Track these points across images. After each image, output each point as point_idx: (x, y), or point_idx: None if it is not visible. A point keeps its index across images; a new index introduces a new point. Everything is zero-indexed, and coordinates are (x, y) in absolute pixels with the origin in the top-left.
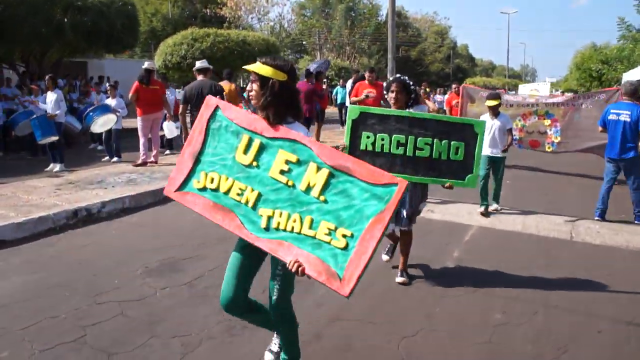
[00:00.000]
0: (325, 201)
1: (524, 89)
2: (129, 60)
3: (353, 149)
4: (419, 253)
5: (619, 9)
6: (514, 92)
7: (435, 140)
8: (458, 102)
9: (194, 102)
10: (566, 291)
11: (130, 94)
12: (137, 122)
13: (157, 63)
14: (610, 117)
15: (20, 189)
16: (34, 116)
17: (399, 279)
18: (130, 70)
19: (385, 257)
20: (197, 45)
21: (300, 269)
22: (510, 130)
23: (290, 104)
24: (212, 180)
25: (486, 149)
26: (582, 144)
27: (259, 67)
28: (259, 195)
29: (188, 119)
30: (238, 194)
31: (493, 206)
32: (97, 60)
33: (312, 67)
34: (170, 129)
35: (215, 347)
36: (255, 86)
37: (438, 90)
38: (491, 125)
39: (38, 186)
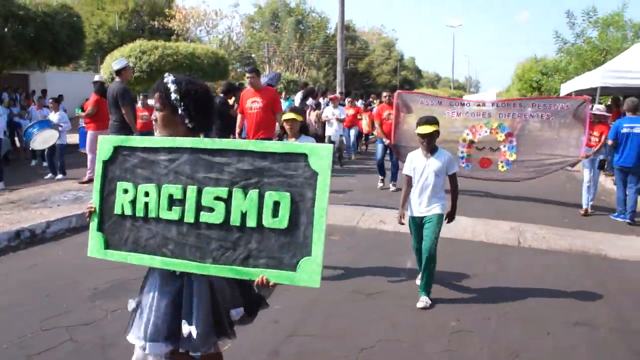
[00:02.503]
0: None
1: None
2: (72, 73)
3: (104, 214)
4: (372, 265)
5: (558, 21)
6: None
7: (234, 190)
8: (391, 114)
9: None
10: (516, 296)
11: (90, 107)
12: (87, 137)
13: (103, 76)
14: (624, 130)
15: None
16: None
17: None
18: (74, 84)
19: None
20: (145, 57)
21: None
22: (454, 179)
23: None
24: None
25: (414, 206)
26: (542, 164)
27: None
28: None
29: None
30: None
31: (422, 301)
32: (40, 72)
33: (263, 80)
34: None
35: None
36: None
37: None
38: (423, 168)
39: None
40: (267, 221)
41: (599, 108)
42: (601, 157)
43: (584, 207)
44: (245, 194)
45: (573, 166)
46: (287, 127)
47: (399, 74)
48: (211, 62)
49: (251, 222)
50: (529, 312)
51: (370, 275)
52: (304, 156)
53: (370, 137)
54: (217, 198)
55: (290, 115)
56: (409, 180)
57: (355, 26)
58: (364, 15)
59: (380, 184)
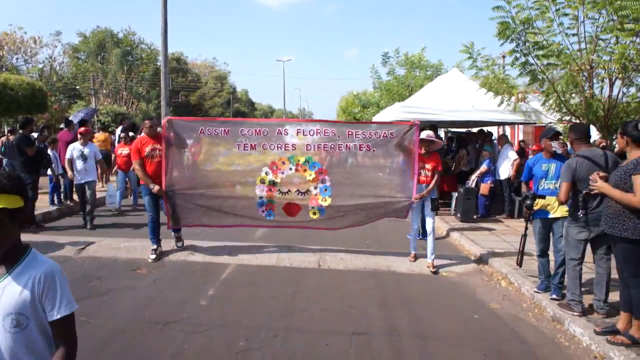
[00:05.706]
0: None
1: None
2: None
3: None
4: (175, 295)
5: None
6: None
7: None
8: (158, 149)
9: None
10: (306, 313)
11: None
12: None
13: None
14: None
15: None
16: None
17: None
18: None
19: None
20: None
21: None
22: (68, 336)
23: None
24: None
25: None
26: (365, 208)
27: None
28: None
29: None
30: None
31: None
32: None
33: (79, 115)
34: None
35: None
36: None
37: None
38: None
39: None
40: None
41: (428, 134)
42: (432, 196)
43: (412, 252)
44: None
45: (406, 215)
46: None
47: (231, 106)
48: (27, 94)
49: None
50: (315, 327)
51: (171, 304)
52: None
53: None
54: None
55: None
56: None
57: (187, 59)
58: (196, 48)
59: (153, 257)
